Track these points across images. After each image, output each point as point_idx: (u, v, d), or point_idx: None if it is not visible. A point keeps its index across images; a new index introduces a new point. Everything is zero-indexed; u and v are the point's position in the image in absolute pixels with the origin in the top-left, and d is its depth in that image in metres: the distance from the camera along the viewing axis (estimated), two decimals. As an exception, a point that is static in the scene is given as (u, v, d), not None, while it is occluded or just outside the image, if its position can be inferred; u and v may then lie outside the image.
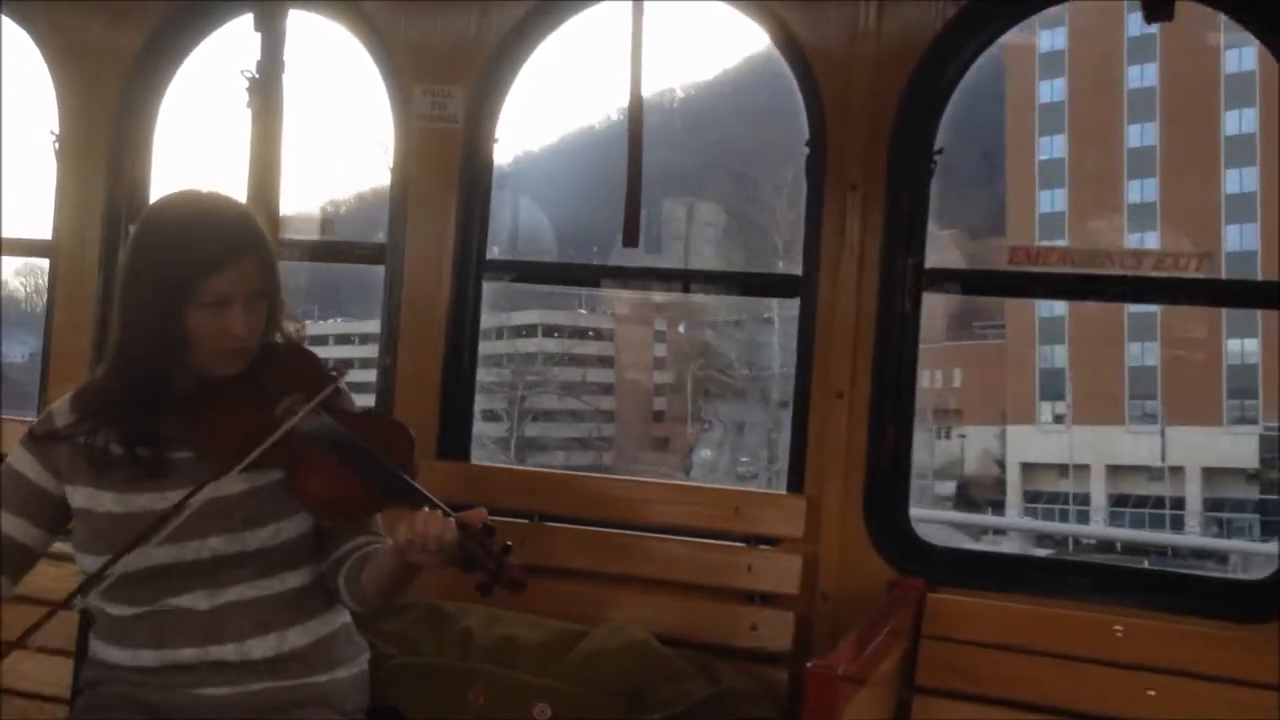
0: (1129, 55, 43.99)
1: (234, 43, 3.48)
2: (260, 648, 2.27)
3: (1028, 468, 38.07)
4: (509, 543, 2.17)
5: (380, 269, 3.44)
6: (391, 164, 3.44)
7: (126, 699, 2.27)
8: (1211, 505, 35.52)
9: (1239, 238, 40.32)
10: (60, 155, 3.72)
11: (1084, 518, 35.91)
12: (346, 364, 2.35)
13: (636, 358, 35.56)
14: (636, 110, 2.83)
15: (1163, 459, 36.96)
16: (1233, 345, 40.34)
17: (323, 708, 2.31)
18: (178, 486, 2.23)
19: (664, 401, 35.67)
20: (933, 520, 12.41)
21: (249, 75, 3.04)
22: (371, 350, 3.48)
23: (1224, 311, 34.49)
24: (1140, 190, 43.49)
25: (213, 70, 3.90)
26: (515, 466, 3.66)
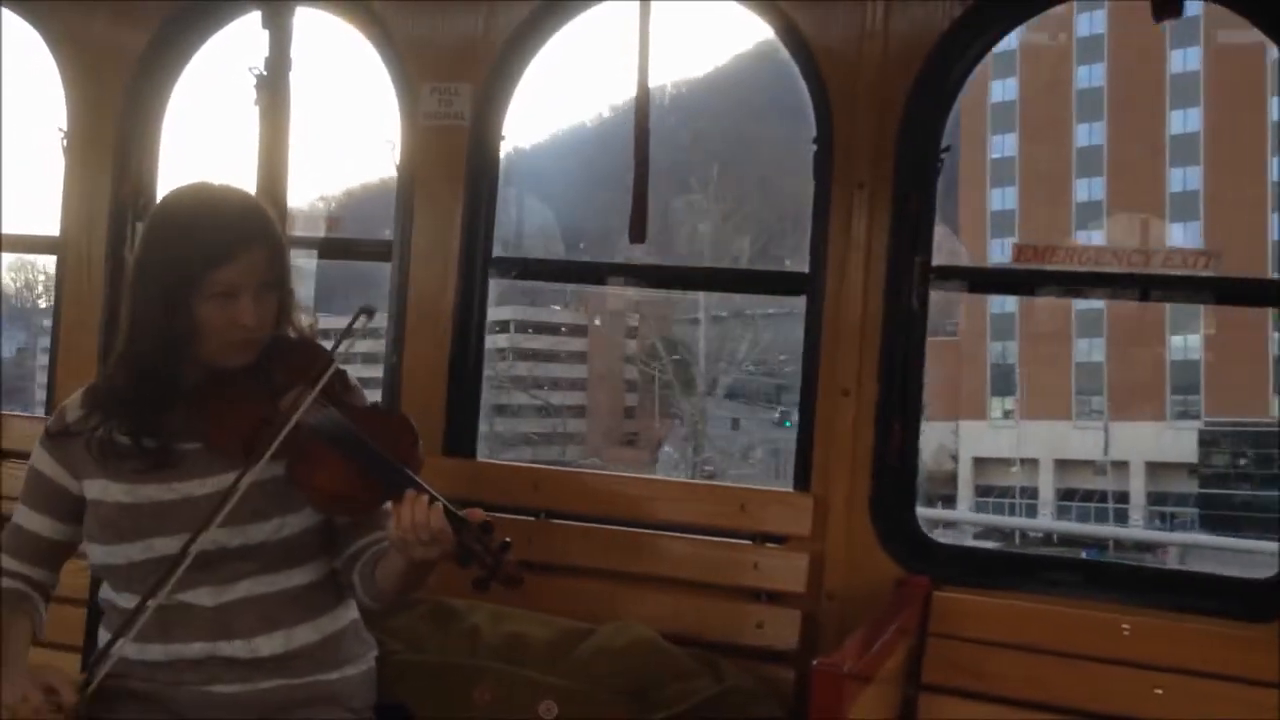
0: (1079, 55, 44.24)
1: (241, 40, 3.49)
2: (268, 645, 2.26)
3: (980, 462, 38.61)
4: (508, 539, 2.16)
5: (386, 265, 3.45)
6: (398, 161, 3.44)
7: (135, 694, 2.27)
8: (1155, 499, 36.41)
9: (1182, 235, 40.89)
10: (68, 152, 3.72)
11: (1032, 511, 36.55)
12: (368, 311, 2.27)
13: (609, 353, 35.74)
14: (643, 107, 2.82)
15: (1105, 453, 37.64)
16: (1176, 341, 41.12)
17: (332, 705, 2.31)
18: (185, 478, 2.24)
19: (635, 397, 35.96)
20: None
21: (256, 73, 3.05)
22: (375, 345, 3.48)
23: (1167, 308, 35.05)
24: (1088, 189, 43.94)
25: (220, 68, 3.92)
26: (522, 463, 3.66)
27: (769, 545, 3.01)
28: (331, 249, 3.75)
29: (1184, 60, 42.40)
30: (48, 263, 3.88)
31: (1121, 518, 35.03)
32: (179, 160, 3.83)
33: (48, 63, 3.76)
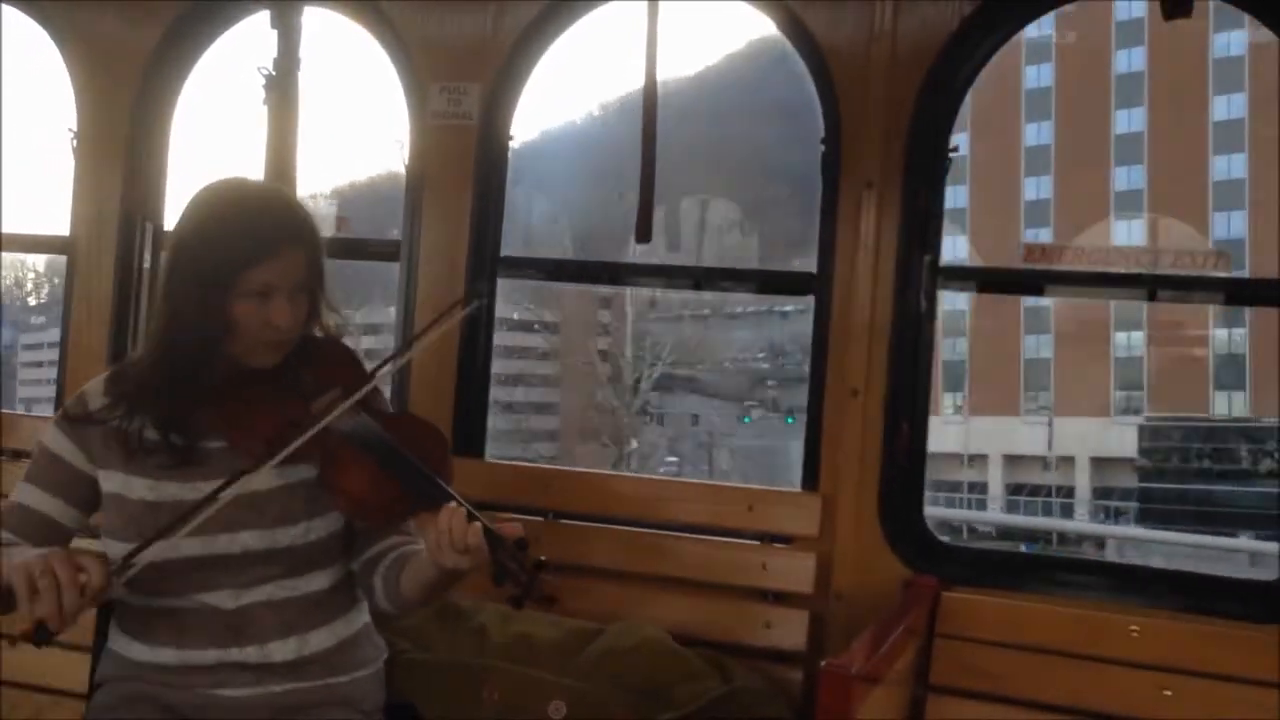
0: (1027, 55, 44.35)
1: (250, 40, 3.50)
2: (281, 651, 2.24)
3: (930, 457, 39.19)
4: (542, 558, 2.11)
5: (393, 265, 3.46)
6: (407, 161, 3.45)
7: (144, 697, 2.25)
8: (1100, 493, 37.25)
9: (1127, 233, 41.54)
10: (77, 152, 3.73)
11: (982, 505, 37.05)
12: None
13: (581, 351, 35.86)
14: (651, 107, 2.83)
15: (1049, 448, 38.14)
16: (1120, 339, 41.51)
17: (344, 708, 2.29)
18: (209, 477, 2.20)
19: (606, 394, 36.14)
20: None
21: (265, 72, 3.05)
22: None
23: (1112, 305, 35.35)
24: (1037, 187, 44.10)
25: (229, 67, 3.92)
26: (530, 464, 3.66)
27: (777, 545, 3.01)
28: (340, 248, 3.75)
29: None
30: (38, 261, 3.89)
31: (1068, 512, 35.64)
32: (188, 160, 3.84)
33: (57, 62, 3.77)
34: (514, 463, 3.56)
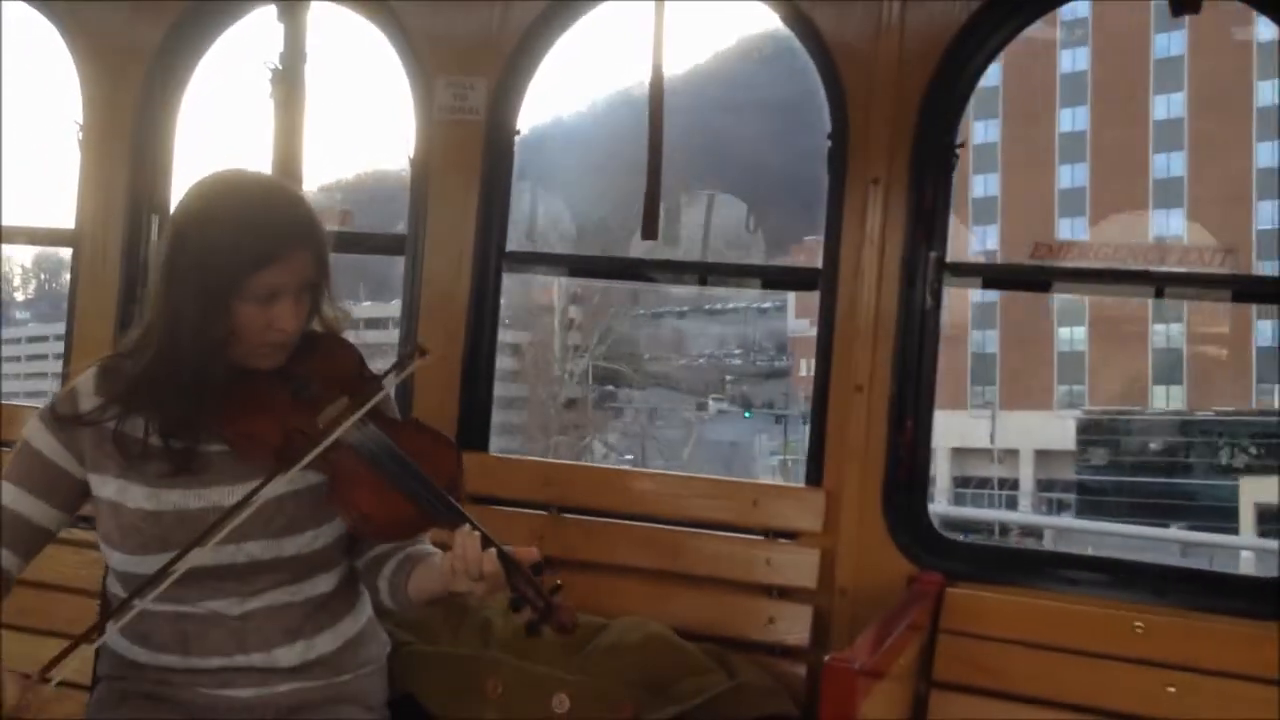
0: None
1: (257, 34, 3.50)
2: (287, 656, 2.20)
3: None
4: (559, 582, 2.03)
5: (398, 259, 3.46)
6: (412, 155, 3.45)
7: (147, 694, 2.21)
8: (1043, 485, 38.11)
9: (1070, 229, 42.16)
10: (84, 146, 3.74)
11: (930, 497, 37.66)
12: (421, 351, 2.25)
13: (546, 345, 35.92)
14: (657, 103, 2.83)
15: (992, 441, 38.75)
16: (1063, 333, 41.93)
17: (349, 705, 2.27)
18: (211, 484, 2.14)
19: (571, 389, 36.36)
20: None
21: (272, 66, 3.05)
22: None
23: (1055, 300, 35.67)
24: (984, 185, 44.28)
25: (235, 61, 3.93)
26: (535, 458, 3.67)
27: (781, 541, 3.01)
28: (345, 242, 3.75)
29: (1072, 60, 42.44)
30: (25, 257, 3.90)
31: (1012, 503, 36.19)
32: (194, 153, 3.85)
33: (64, 57, 3.77)
34: (519, 457, 3.56)
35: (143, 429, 2.13)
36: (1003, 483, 38.52)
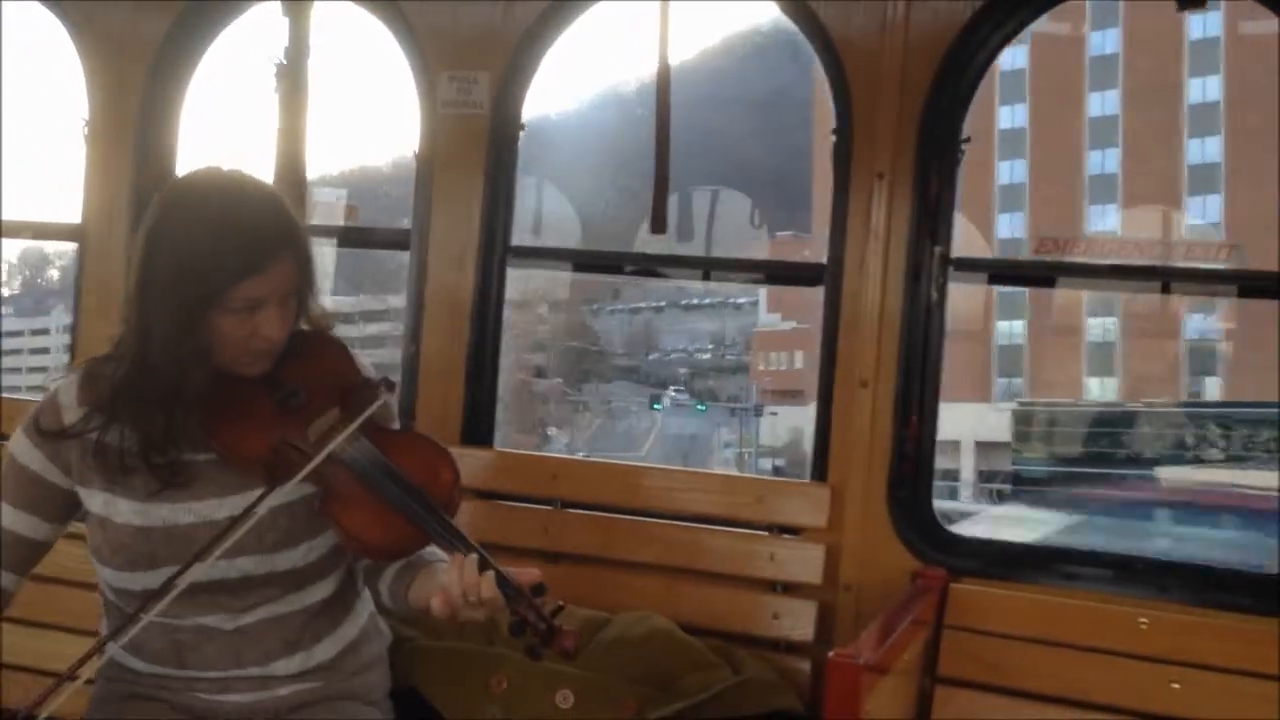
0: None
1: (261, 29, 3.50)
2: (286, 667, 2.17)
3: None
4: (560, 603, 1.98)
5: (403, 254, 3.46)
6: (417, 150, 3.45)
7: (144, 698, 2.19)
8: (985, 477, 38.64)
9: (1009, 225, 42.72)
10: (89, 140, 3.74)
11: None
12: (388, 384, 2.15)
13: (514, 339, 36.17)
14: (664, 100, 2.82)
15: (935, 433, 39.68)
16: (1002, 327, 42.20)
17: (350, 702, 2.25)
18: (201, 497, 2.08)
19: (538, 384, 36.69)
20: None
21: (276, 61, 3.05)
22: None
23: (995, 293, 36.07)
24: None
25: (240, 56, 3.92)
26: (539, 453, 3.67)
27: (785, 536, 3.01)
28: (350, 237, 3.76)
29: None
30: (11, 252, 3.89)
31: (953, 494, 36.64)
32: (199, 147, 3.85)
33: (69, 51, 3.78)
34: (524, 452, 3.56)
35: (125, 440, 2.06)
36: (945, 473, 39.05)
